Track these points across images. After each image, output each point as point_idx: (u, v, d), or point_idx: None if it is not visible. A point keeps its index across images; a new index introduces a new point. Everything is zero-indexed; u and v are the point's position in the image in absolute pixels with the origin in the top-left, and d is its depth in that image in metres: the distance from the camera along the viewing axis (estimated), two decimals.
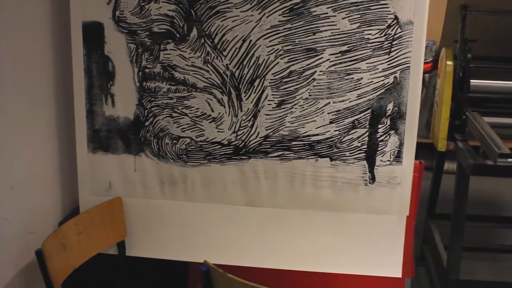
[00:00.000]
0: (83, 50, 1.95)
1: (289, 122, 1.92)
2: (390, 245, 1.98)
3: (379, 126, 1.89)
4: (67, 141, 2.10)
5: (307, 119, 1.91)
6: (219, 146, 1.97)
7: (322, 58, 1.85)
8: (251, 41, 1.87)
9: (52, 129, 2.05)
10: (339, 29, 1.83)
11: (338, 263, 2.01)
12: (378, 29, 1.82)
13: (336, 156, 1.93)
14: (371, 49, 1.84)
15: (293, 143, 1.93)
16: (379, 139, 1.90)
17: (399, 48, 1.83)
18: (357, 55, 1.84)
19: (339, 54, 1.85)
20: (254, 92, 1.91)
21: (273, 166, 1.96)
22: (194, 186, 2.01)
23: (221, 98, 1.93)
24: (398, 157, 1.91)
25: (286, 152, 1.94)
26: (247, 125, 1.94)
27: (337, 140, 1.91)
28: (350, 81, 1.86)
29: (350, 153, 1.92)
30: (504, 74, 2.81)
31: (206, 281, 1.57)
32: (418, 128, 1.89)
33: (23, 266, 1.89)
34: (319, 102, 1.89)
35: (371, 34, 1.82)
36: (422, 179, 2.07)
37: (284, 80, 1.89)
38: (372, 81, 1.86)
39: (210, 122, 1.95)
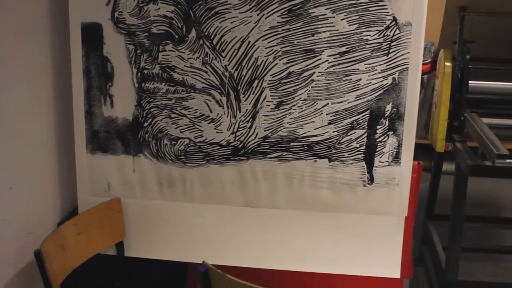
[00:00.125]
0: (82, 51, 1.95)
1: (287, 123, 1.92)
2: (389, 245, 1.98)
3: (378, 127, 1.89)
4: (66, 142, 2.10)
5: (305, 120, 1.91)
6: (218, 147, 1.97)
7: (320, 59, 1.86)
8: (249, 42, 1.87)
9: (51, 130, 2.05)
10: (337, 30, 1.83)
11: (337, 264, 2.01)
12: (376, 30, 1.82)
13: (335, 157, 1.93)
14: (370, 50, 1.84)
15: (292, 144, 1.94)
16: (377, 140, 1.90)
17: (397, 49, 1.83)
18: (356, 56, 1.85)
19: (338, 55, 1.85)
20: (253, 93, 1.91)
21: (272, 167, 1.96)
22: (193, 186, 2.02)
23: (220, 99, 1.93)
24: (396, 158, 1.91)
25: (285, 153, 1.95)
26: (245, 126, 1.94)
27: (335, 141, 1.92)
28: (349, 82, 1.87)
29: (348, 154, 1.92)
30: (503, 75, 2.81)
31: (205, 282, 1.57)
32: (416, 129, 1.90)
33: (22, 266, 1.89)
34: (317, 103, 1.89)
35: (369, 35, 1.83)
36: (421, 180, 2.07)
37: (282, 81, 1.89)
38: (370, 82, 1.86)
39: (208, 123, 1.96)
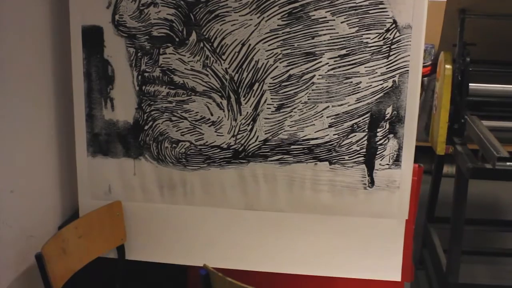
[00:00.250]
0: (82, 54, 1.95)
1: (288, 126, 1.92)
2: (389, 248, 1.98)
3: (378, 130, 1.90)
4: (66, 145, 2.10)
5: (306, 123, 1.91)
6: (219, 150, 1.97)
7: (321, 62, 1.86)
8: (250, 45, 1.87)
9: (52, 133, 2.06)
10: (338, 33, 1.83)
11: (338, 267, 2.01)
12: (376, 33, 1.82)
13: (335, 160, 1.93)
14: (370, 53, 1.84)
15: (292, 147, 1.94)
16: (378, 143, 1.90)
17: (397, 52, 1.83)
18: (356, 59, 1.85)
19: (338, 58, 1.85)
20: (253, 96, 1.91)
21: (272, 169, 1.96)
22: (194, 190, 2.02)
23: (220, 102, 1.93)
24: (397, 160, 1.91)
25: (285, 156, 1.95)
26: (246, 129, 1.94)
27: (336, 144, 1.92)
28: (349, 85, 1.87)
29: (349, 157, 1.92)
30: (503, 77, 2.81)
31: (206, 285, 1.57)
32: (417, 132, 1.90)
33: (23, 270, 1.89)
34: (318, 106, 1.89)
35: (369, 38, 1.83)
36: (421, 183, 2.07)
37: (283, 84, 1.89)
38: (371, 85, 1.86)
39: (209, 126, 1.96)
